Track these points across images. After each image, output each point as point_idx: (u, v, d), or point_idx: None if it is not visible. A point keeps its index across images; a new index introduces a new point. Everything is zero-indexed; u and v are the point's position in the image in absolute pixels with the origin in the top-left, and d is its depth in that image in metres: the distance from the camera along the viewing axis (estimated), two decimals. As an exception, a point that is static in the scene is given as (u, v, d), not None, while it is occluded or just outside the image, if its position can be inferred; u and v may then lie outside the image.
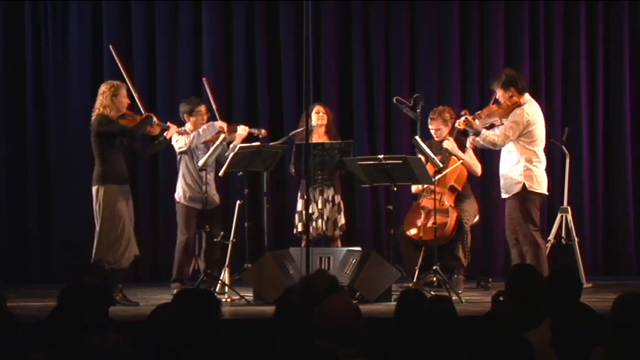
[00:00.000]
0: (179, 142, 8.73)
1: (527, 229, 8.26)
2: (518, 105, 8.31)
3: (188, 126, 8.87)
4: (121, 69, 8.66)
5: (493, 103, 8.52)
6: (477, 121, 8.39)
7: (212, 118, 8.96)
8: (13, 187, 10.40)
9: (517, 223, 8.31)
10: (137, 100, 8.58)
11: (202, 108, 8.91)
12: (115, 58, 8.71)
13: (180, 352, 3.90)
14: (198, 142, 8.73)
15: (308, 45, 7.36)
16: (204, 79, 9.14)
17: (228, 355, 3.90)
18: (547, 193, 8.50)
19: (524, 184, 8.29)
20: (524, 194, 8.28)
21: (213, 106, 8.90)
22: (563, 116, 10.31)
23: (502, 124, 8.46)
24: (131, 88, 8.58)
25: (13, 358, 4.07)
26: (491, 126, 8.58)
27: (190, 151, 8.77)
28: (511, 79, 8.39)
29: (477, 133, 8.40)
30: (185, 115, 8.88)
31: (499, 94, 8.39)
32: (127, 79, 8.62)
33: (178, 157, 8.86)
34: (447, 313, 4.56)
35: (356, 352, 3.92)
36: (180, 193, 8.81)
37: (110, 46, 8.95)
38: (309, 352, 3.63)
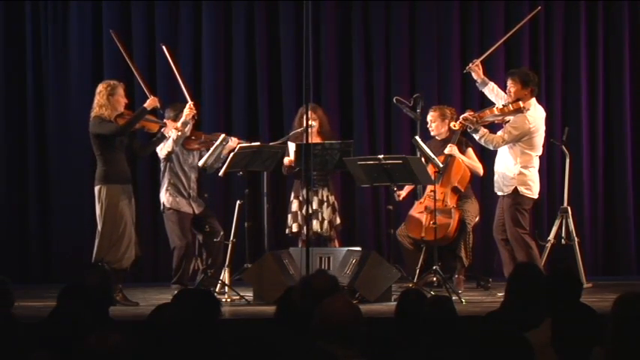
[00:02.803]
0: (165, 149, 8.62)
1: (517, 232, 8.29)
2: (521, 111, 8.28)
3: (173, 133, 8.74)
4: (122, 52, 8.62)
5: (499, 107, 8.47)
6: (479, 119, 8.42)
7: (176, 88, 8.85)
8: (13, 187, 10.40)
9: (507, 224, 8.34)
10: (140, 82, 8.54)
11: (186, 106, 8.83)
12: (116, 42, 8.67)
13: (180, 352, 3.90)
14: (182, 138, 8.63)
15: (308, 45, 7.36)
16: (162, 45, 8.92)
17: (228, 355, 3.90)
18: (537, 197, 8.52)
19: (516, 187, 8.30)
20: (515, 197, 8.31)
21: (177, 75, 8.72)
22: (563, 116, 10.31)
23: (503, 121, 8.47)
24: (134, 71, 8.56)
25: (13, 358, 4.07)
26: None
27: (175, 155, 8.71)
28: (533, 80, 8.41)
29: (476, 131, 8.40)
30: (170, 120, 8.77)
31: (515, 87, 8.33)
32: (128, 61, 8.59)
33: (162, 165, 8.80)
34: (447, 313, 4.56)
35: (356, 352, 3.91)
36: (169, 200, 8.71)
37: (110, 31, 8.89)
38: (308, 353, 3.64)
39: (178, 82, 8.70)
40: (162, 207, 8.79)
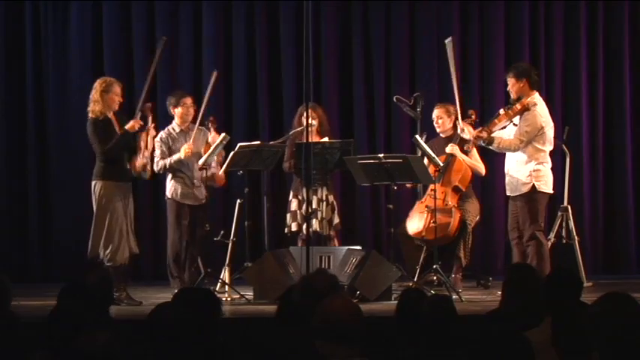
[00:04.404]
0: (155, 167, 8.69)
1: (533, 229, 8.21)
2: (528, 108, 8.20)
3: (176, 121, 8.80)
4: (155, 61, 8.57)
5: (503, 109, 8.39)
6: (485, 132, 8.27)
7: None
8: (13, 186, 10.40)
9: (522, 222, 8.25)
10: (143, 95, 8.43)
11: (188, 100, 8.83)
12: (158, 52, 8.62)
13: (180, 351, 3.90)
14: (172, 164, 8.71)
15: (308, 45, 7.37)
16: (215, 73, 8.90)
17: (228, 355, 3.91)
18: (553, 192, 8.48)
19: (533, 184, 8.23)
20: (533, 194, 8.21)
21: (204, 101, 8.72)
22: (563, 116, 10.31)
23: (510, 122, 8.39)
24: (147, 82, 8.49)
25: (13, 357, 4.07)
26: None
27: (176, 149, 8.75)
28: (526, 70, 8.37)
29: (491, 143, 8.28)
30: (171, 107, 8.83)
31: (511, 83, 8.29)
32: (151, 72, 8.52)
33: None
34: (447, 312, 4.56)
35: (356, 351, 3.91)
36: (171, 190, 8.77)
37: (163, 38, 8.83)
38: (308, 353, 3.64)
39: (201, 106, 8.69)
40: (165, 196, 8.84)
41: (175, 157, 8.66)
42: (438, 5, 10.44)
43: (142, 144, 8.27)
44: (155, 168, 8.71)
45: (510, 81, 8.33)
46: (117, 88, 8.26)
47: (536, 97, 8.32)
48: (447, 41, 8.48)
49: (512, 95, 8.34)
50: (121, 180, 8.23)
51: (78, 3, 10.42)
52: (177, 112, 8.81)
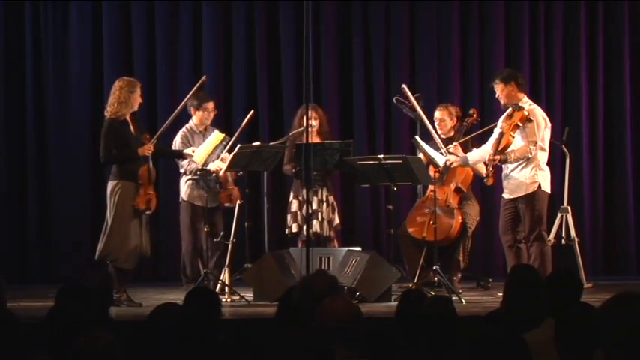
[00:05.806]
0: (188, 167, 8.70)
1: (539, 229, 8.21)
2: (526, 116, 8.13)
3: (194, 121, 8.83)
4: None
5: (501, 127, 8.31)
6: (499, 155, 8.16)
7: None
8: (13, 186, 10.40)
9: (528, 223, 8.21)
10: (165, 126, 8.45)
11: (210, 105, 8.85)
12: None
13: (180, 351, 3.90)
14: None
15: (308, 45, 7.37)
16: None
17: (226, 355, 3.91)
18: (550, 192, 8.47)
19: (539, 184, 8.21)
20: (538, 194, 8.20)
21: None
22: (563, 116, 10.31)
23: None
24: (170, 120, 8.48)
25: (13, 358, 4.07)
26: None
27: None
28: (512, 74, 8.35)
29: (506, 161, 8.20)
30: (192, 109, 8.82)
31: (499, 89, 8.25)
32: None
33: (181, 161, 8.83)
34: (447, 313, 4.56)
35: (356, 352, 3.91)
36: (187, 192, 8.76)
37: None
38: (308, 353, 3.64)
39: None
40: (180, 198, 8.83)
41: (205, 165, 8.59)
42: (438, 5, 10.44)
43: (145, 179, 8.13)
44: (185, 169, 8.69)
45: (498, 87, 8.27)
46: (139, 89, 8.24)
47: (527, 100, 8.28)
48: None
49: (503, 100, 8.28)
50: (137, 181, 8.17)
51: (78, 3, 10.42)
52: (197, 114, 8.80)
